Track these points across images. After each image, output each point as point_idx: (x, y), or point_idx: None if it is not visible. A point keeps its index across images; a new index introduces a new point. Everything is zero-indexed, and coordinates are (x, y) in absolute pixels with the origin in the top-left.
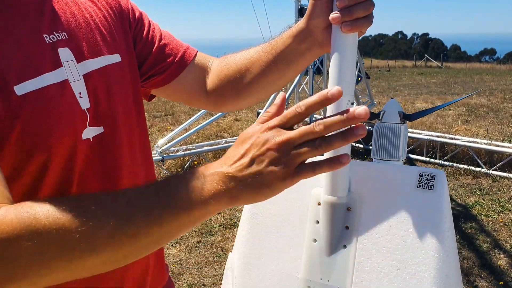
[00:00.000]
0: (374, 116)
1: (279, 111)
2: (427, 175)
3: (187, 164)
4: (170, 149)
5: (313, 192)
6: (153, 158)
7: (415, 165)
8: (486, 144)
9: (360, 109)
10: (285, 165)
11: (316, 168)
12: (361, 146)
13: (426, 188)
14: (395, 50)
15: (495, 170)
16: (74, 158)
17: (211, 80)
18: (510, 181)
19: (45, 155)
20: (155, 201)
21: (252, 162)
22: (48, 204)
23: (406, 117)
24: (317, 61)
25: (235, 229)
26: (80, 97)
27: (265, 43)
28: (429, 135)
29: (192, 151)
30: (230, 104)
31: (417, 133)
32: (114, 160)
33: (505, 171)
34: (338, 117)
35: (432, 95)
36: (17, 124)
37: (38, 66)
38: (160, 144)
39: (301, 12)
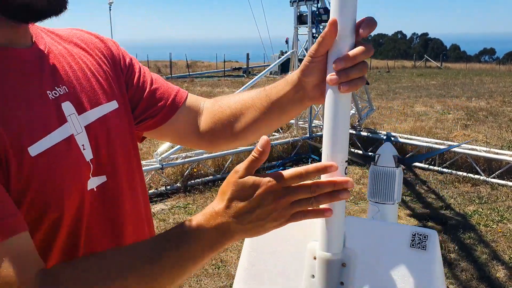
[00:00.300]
0: (369, 159)
1: (264, 156)
2: (420, 235)
3: (186, 172)
4: (170, 156)
5: (309, 246)
6: (153, 166)
7: (414, 172)
8: (485, 151)
9: (349, 183)
10: (284, 216)
11: (306, 215)
12: (360, 152)
13: (419, 248)
14: (395, 50)
15: (493, 178)
16: (81, 210)
17: (204, 122)
18: (509, 189)
19: (58, 212)
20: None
21: (258, 218)
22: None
23: (400, 161)
24: None
25: None
26: (83, 149)
27: (259, 90)
28: (428, 142)
29: (191, 158)
30: (223, 145)
31: (416, 139)
32: (118, 207)
33: (503, 179)
34: (331, 185)
35: (431, 98)
36: (32, 184)
37: (46, 125)
38: (160, 152)
39: (300, 19)
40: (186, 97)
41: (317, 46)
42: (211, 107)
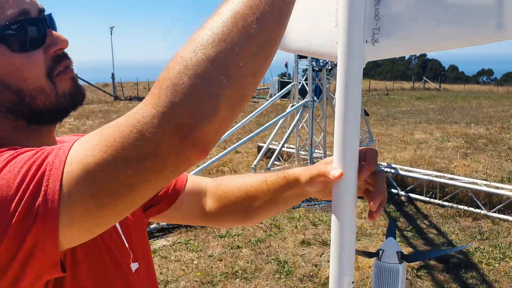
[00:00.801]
0: (373, 254)
1: None
2: None
3: None
4: None
5: None
6: None
7: (416, 205)
8: (485, 185)
9: None
10: None
11: None
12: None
13: None
14: (393, 71)
15: (494, 212)
16: None
17: (210, 205)
18: (510, 224)
19: None
20: None
21: None
22: None
23: (404, 258)
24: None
25: (237, 279)
26: (123, 236)
27: (261, 180)
28: (429, 175)
29: None
30: (231, 225)
31: (417, 172)
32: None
33: (504, 214)
34: None
35: (430, 124)
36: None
37: None
38: None
39: None
40: (187, 181)
41: (320, 177)
42: (215, 190)
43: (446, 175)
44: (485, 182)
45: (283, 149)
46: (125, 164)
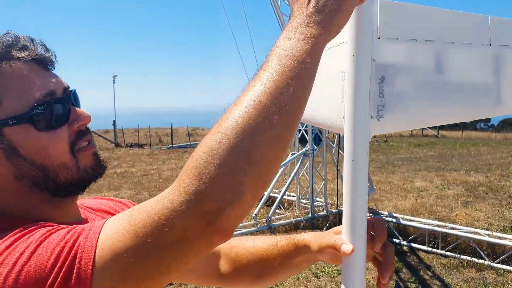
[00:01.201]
0: None
1: None
2: None
3: None
4: None
5: None
6: None
7: (418, 255)
8: (487, 235)
9: None
10: None
11: None
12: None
13: None
14: None
15: (498, 263)
16: None
17: (225, 267)
18: None
19: None
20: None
21: None
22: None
23: None
24: (316, 130)
25: None
26: None
27: (272, 245)
28: (431, 224)
29: None
30: (244, 287)
31: (418, 221)
32: None
33: (508, 265)
34: None
35: (430, 171)
36: None
37: None
38: None
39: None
40: None
41: (330, 249)
42: (228, 252)
43: (447, 224)
44: (487, 232)
45: (284, 197)
46: (154, 251)
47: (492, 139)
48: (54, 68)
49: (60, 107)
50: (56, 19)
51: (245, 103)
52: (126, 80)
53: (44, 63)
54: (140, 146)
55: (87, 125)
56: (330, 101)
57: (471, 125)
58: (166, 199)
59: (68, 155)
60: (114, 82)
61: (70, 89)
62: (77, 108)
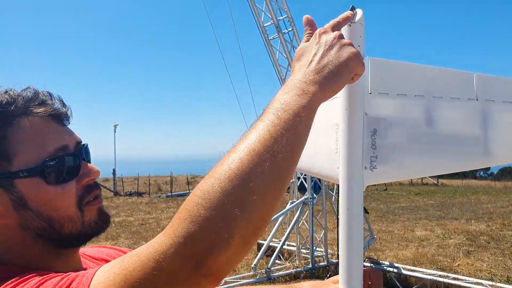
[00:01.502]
0: None
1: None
2: None
3: None
4: None
5: None
6: None
7: None
8: (491, 286)
9: None
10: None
11: None
12: None
13: None
14: None
15: None
16: None
17: None
18: None
19: None
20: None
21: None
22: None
23: None
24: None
25: None
26: None
27: None
28: (433, 275)
29: None
30: None
31: (420, 271)
32: None
33: None
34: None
35: (431, 220)
36: None
37: None
38: None
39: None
40: None
41: None
42: None
43: (450, 274)
44: (490, 283)
45: (283, 247)
46: None
47: (492, 187)
48: (69, 123)
49: (71, 162)
50: (57, 65)
51: (239, 150)
52: (127, 128)
53: (60, 118)
54: (139, 194)
55: (96, 180)
56: (325, 152)
57: (471, 174)
58: (156, 243)
59: (75, 208)
60: (115, 131)
61: (82, 143)
62: (88, 164)
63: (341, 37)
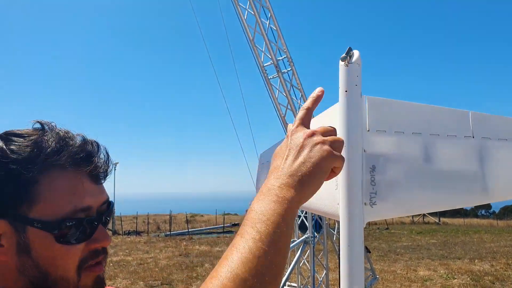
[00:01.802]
0: None
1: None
2: None
3: None
4: None
5: None
6: None
7: None
8: None
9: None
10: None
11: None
12: None
13: None
14: None
15: None
16: None
17: None
18: None
19: None
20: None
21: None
22: None
23: None
24: (316, 217)
25: None
26: None
27: None
28: None
29: None
30: None
31: None
32: None
33: None
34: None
35: (433, 260)
36: None
37: None
38: None
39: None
40: None
41: None
42: None
43: None
44: None
45: (284, 287)
46: None
47: (495, 226)
48: (105, 180)
49: (88, 225)
50: (56, 104)
51: (221, 276)
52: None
53: (96, 176)
54: (138, 233)
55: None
56: (325, 188)
57: (472, 212)
58: None
59: (74, 271)
60: (115, 169)
61: (108, 202)
62: (103, 228)
63: (311, 135)
